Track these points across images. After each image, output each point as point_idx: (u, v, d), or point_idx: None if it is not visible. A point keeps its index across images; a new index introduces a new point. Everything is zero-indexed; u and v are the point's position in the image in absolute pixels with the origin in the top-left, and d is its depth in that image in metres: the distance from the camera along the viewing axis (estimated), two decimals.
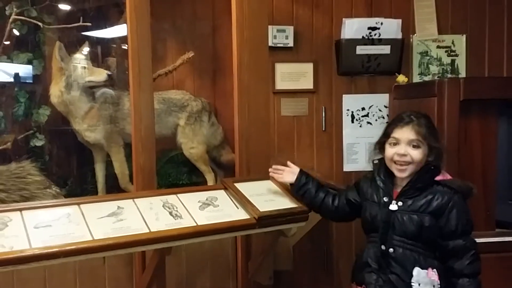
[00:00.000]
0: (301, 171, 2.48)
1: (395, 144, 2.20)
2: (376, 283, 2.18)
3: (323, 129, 3.70)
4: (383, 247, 2.18)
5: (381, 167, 2.29)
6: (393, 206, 2.18)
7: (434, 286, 2.13)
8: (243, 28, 2.73)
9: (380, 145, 2.30)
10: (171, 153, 3.52)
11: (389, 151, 2.21)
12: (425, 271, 2.13)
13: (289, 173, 2.48)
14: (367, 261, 2.23)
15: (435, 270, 2.14)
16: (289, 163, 2.54)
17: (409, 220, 2.14)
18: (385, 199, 2.21)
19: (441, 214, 2.13)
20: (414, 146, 2.17)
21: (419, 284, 2.12)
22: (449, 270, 2.15)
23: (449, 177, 2.23)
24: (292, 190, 2.50)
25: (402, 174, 2.19)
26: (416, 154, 2.17)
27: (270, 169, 2.55)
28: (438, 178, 2.20)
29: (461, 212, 2.14)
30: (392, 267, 2.15)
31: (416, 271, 2.12)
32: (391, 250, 2.16)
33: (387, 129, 2.26)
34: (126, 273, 2.74)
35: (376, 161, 2.33)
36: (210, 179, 3.44)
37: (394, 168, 2.21)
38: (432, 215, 2.13)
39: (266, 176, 2.67)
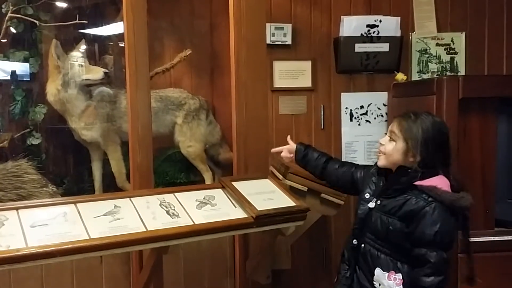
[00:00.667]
0: (298, 143, 2.56)
1: (385, 134, 2.24)
2: (344, 274, 2.24)
3: (322, 128, 3.69)
4: (355, 241, 2.22)
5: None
6: (371, 204, 2.19)
7: None
8: (240, 26, 2.72)
9: None
10: (169, 152, 3.51)
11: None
12: (386, 273, 2.09)
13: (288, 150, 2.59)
14: (343, 252, 2.30)
15: (399, 274, 2.07)
16: (288, 138, 2.63)
17: (379, 220, 2.13)
18: (367, 195, 2.23)
19: (411, 220, 2.05)
20: (390, 139, 2.16)
21: (379, 284, 2.12)
22: (412, 278, 2.07)
23: (440, 184, 2.07)
24: (296, 162, 2.58)
25: (379, 162, 2.22)
26: (388, 146, 2.15)
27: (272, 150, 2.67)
28: (425, 183, 2.06)
29: (433, 222, 2.01)
30: (359, 262, 2.20)
31: (377, 271, 2.13)
32: (362, 246, 2.20)
33: None
34: (123, 272, 2.72)
35: None
36: (208, 177, 3.43)
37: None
38: (400, 219, 2.07)
39: (264, 175, 2.67)
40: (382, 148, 2.19)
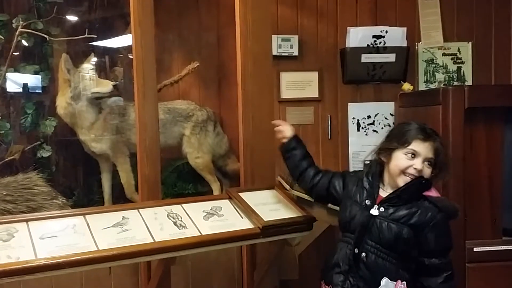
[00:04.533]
0: (294, 136, 2.42)
1: (413, 156, 2.09)
2: (342, 285, 2.13)
3: (329, 138, 3.71)
4: (356, 250, 2.12)
5: (372, 169, 2.23)
6: (374, 211, 2.12)
7: None
8: (247, 38, 2.74)
9: (390, 151, 2.16)
10: (177, 163, 3.53)
11: (404, 161, 2.10)
12: (394, 283, 2.08)
13: (289, 129, 2.44)
14: (337, 261, 2.17)
15: (404, 283, 2.09)
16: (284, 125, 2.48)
17: (387, 228, 2.08)
18: (367, 201, 2.15)
19: (422, 230, 2.07)
20: (429, 164, 2.10)
21: None
22: (421, 286, 2.11)
23: (436, 193, 2.16)
24: (279, 148, 2.47)
25: (403, 182, 2.12)
26: (428, 172, 2.11)
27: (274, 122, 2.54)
28: (426, 193, 2.13)
29: (442, 232, 2.10)
30: (361, 271, 2.10)
31: (385, 281, 2.07)
32: (363, 254, 2.10)
33: (404, 137, 2.13)
34: (132, 282, 2.74)
35: (367, 162, 2.27)
36: (215, 188, 3.45)
37: (401, 179, 2.11)
38: (411, 228, 2.07)
39: (271, 186, 2.68)
40: (417, 174, 2.09)
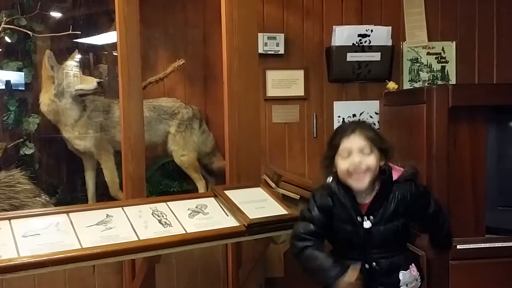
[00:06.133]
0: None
1: (348, 155, 2.06)
2: None
3: (315, 136, 3.72)
4: (367, 265, 2.07)
5: (337, 184, 2.12)
6: (367, 224, 2.07)
7: (417, 280, 2.15)
8: (232, 36, 2.74)
9: (329, 160, 2.13)
10: (162, 161, 3.52)
11: (343, 164, 2.07)
12: (408, 271, 2.12)
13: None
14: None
15: (413, 264, 2.15)
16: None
17: (384, 230, 2.07)
18: (359, 218, 2.08)
19: (411, 209, 2.11)
20: (366, 153, 2.06)
21: (406, 285, 2.11)
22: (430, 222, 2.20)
23: (398, 172, 2.15)
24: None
25: (360, 184, 2.06)
26: (371, 160, 2.05)
27: None
28: (394, 173, 2.14)
29: (424, 195, 2.18)
30: (378, 279, 2.08)
31: (402, 274, 2.10)
32: (374, 264, 2.08)
33: (334, 142, 2.12)
34: (116, 281, 2.72)
35: (329, 180, 2.15)
36: (201, 186, 3.44)
37: (351, 181, 2.07)
38: (403, 216, 2.10)
39: (256, 183, 2.68)
40: (364, 166, 2.04)
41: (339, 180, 2.11)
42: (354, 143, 2.06)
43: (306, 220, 2.14)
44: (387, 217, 2.09)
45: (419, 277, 2.17)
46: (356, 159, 2.04)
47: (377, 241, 2.09)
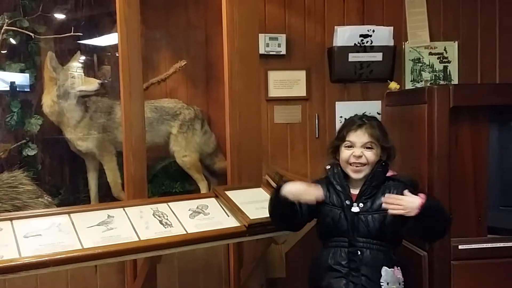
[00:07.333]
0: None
1: (350, 146, 2.28)
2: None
3: (317, 136, 3.71)
4: (351, 251, 2.20)
5: (336, 171, 2.33)
6: (355, 208, 2.22)
7: (399, 283, 2.20)
8: (233, 37, 2.75)
9: (334, 148, 2.37)
10: (164, 162, 3.52)
11: (345, 153, 2.29)
12: (392, 269, 2.18)
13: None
14: (334, 266, 2.20)
15: (399, 268, 2.21)
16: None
17: (372, 220, 2.20)
18: (347, 202, 2.24)
19: None
20: (368, 148, 2.27)
21: (387, 283, 2.15)
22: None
23: (393, 171, 2.36)
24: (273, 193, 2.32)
25: (357, 175, 2.27)
26: (370, 155, 2.26)
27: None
28: (388, 174, 2.32)
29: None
30: (361, 269, 2.17)
31: (384, 270, 2.17)
32: (358, 252, 2.19)
33: (341, 133, 2.33)
34: (118, 281, 2.73)
35: (328, 167, 2.36)
36: (203, 187, 3.44)
37: (349, 170, 2.28)
38: None
39: (257, 184, 2.69)
40: (362, 160, 2.26)
41: (339, 168, 2.32)
42: (358, 138, 2.27)
43: None
44: (376, 207, 2.21)
45: (403, 282, 2.21)
46: (357, 152, 2.26)
47: (363, 229, 2.20)
